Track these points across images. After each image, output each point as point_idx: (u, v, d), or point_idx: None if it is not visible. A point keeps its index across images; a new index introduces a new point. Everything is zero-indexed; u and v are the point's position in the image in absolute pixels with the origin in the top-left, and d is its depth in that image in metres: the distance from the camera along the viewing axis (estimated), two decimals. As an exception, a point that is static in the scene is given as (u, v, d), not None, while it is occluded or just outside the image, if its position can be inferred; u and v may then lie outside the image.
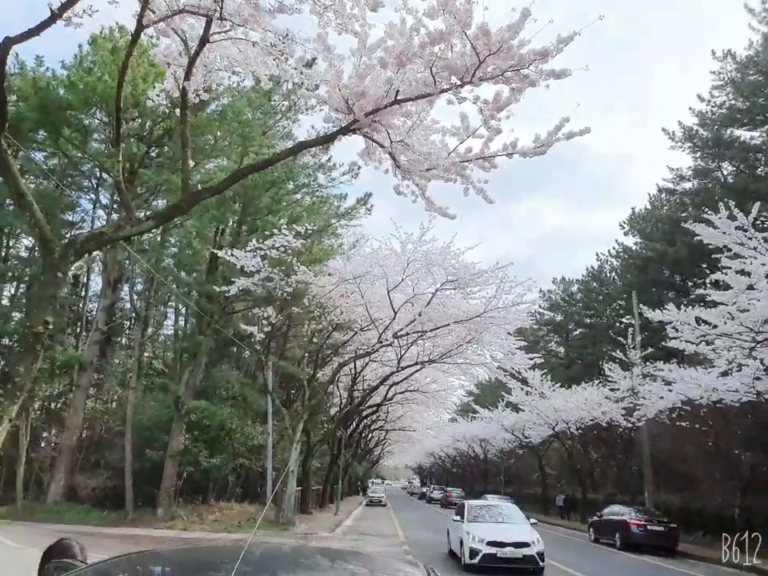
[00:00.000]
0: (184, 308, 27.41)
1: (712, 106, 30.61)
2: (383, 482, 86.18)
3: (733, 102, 29.70)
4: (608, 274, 43.54)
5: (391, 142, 7.15)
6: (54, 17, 4.35)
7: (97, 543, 11.86)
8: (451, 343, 22.15)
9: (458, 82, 6.32)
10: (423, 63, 6.35)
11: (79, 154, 21.70)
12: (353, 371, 26.39)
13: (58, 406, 24.50)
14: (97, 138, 22.01)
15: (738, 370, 15.50)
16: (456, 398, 39.59)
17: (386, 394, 27.69)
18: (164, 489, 17.91)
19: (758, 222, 12.32)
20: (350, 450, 38.08)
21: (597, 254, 44.73)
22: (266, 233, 17.00)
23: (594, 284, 44.53)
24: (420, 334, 20.81)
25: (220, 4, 5.29)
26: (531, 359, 23.25)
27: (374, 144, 7.41)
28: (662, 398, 19.55)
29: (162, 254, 22.46)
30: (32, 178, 23.64)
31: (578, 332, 48.13)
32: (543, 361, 28.71)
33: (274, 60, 7.12)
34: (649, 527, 16.60)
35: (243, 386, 22.91)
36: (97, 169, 22.98)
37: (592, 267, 45.12)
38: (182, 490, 19.34)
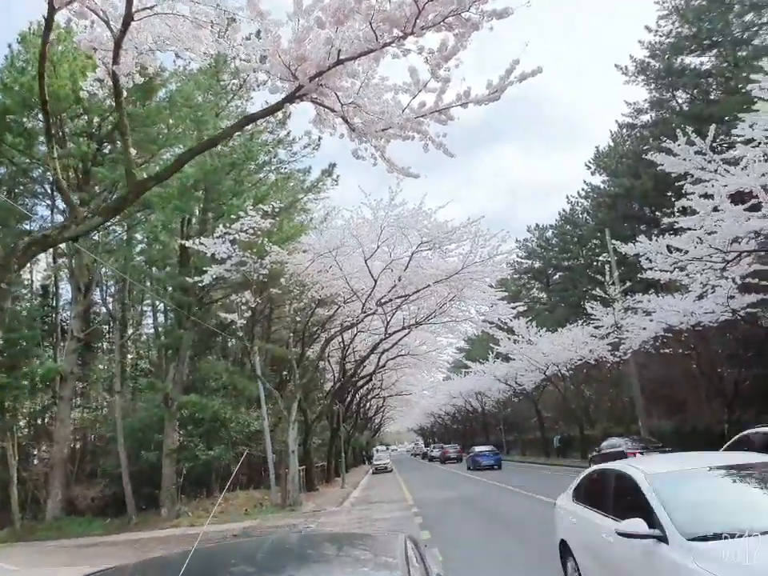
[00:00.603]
0: (162, 304, 26.96)
1: (660, 36, 30.52)
2: (387, 449, 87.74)
3: (679, 29, 29.67)
4: (580, 216, 43.91)
5: (342, 104, 6.93)
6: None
7: (97, 553, 11.45)
8: (435, 303, 22.30)
9: (400, 34, 6.11)
10: (362, 18, 6.10)
11: (27, 160, 20.77)
12: (342, 344, 26.47)
13: (45, 420, 24.10)
14: (43, 141, 21.04)
15: (712, 292, 15.94)
16: (447, 356, 40.24)
17: (378, 362, 27.91)
18: (165, 488, 17.79)
19: (715, 145, 12.40)
20: (350, 422, 38.54)
21: (567, 197, 44.92)
22: (233, 216, 16.61)
23: (568, 227, 44.91)
24: (403, 298, 20.86)
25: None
26: (514, 308, 23.54)
27: (324, 109, 7.17)
28: (644, 329, 20.03)
29: (130, 252, 21.88)
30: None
31: (557, 276, 48.77)
32: (527, 308, 29.24)
33: (211, 33, 6.79)
34: (645, 454, 17.20)
35: (231, 375, 22.78)
36: (48, 173, 22.06)
37: (564, 211, 45.45)
38: (184, 487, 19.26)
